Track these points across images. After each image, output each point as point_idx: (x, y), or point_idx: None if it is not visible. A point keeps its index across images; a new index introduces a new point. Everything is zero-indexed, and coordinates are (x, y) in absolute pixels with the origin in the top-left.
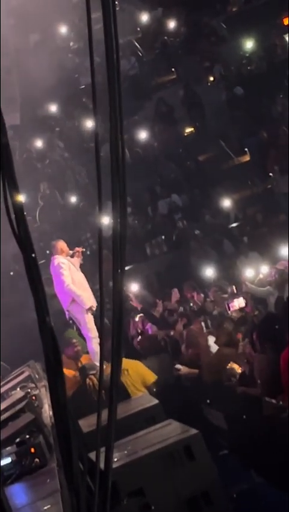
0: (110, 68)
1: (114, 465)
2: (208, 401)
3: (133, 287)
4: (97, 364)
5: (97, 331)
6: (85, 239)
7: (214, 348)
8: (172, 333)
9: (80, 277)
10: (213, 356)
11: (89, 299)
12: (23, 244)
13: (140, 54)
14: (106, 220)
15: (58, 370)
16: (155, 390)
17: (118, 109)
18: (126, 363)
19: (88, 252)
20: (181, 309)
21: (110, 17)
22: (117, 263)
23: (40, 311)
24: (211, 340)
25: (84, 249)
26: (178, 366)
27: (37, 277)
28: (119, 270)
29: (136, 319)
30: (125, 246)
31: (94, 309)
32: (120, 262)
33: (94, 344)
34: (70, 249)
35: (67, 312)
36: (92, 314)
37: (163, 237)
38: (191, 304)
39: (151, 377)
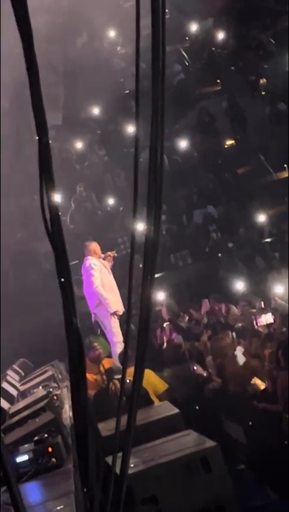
0: (155, 75)
1: (130, 471)
2: (229, 414)
3: (162, 296)
4: None
5: (122, 336)
6: (121, 242)
7: (241, 359)
8: (197, 344)
9: (111, 280)
10: (239, 368)
11: (116, 303)
12: (56, 244)
13: (187, 63)
14: (140, 226)
15: (81, 371)
16: (168, 398)
17: (161, 117)
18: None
19: (122, 254)
20: (205, 320)
21: (159, 24)
22: (147, 270)
23: (67, 312)
24: (239, 350)
25: (116, 254)
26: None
27: (67, 277)
28: (149, 277)
29: (164, 327)
30: (157, 253)
31: (120, 313)
32: (150, 269)
33: (118, 348)
34: (103, 252)
35: (93, 315)
36: (118, 319)
37: (195, 247)
38: (219, 316)
39: (162, 386)
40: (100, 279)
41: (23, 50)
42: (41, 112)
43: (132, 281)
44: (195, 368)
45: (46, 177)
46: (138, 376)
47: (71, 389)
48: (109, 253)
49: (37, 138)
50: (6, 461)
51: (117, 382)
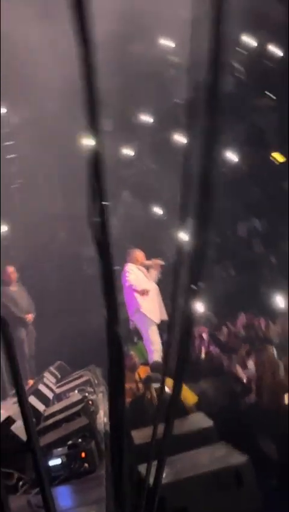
0: (210, 86)
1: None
2: (262, 429)
3: (201, 306)
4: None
5: (160, 344)
6: (167, 250)
7: (282, 374)
8: (234, 357)
9: (150, 287)
10: (275, 382)
11: (153, 310)
12: (102, 250)
13: (240, 75)
14: (185, 236)
15: (119, 379)
16: (197, 411)
17: (213, 129)
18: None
19: (168, 263)
20: (242, 333)
21: (217, 35)
22: (191, 280)
23: (109, 317)
24: (281, 366)
25: (163, 262)
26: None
27: (110, 282)
28: (193, 288)
29: (203, 338)
30: (202, 264)
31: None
32: (195, 280)
33: (155, 357)
34: (149, 259)
35: (131, 322)
36: (157, 327)
37: (238, 260)
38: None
39: (192, 398)
40: (136, 284)
41: (81, 55)
42: (95, 117)
43: (177, 291)
44: (236, 368)
45: (96, 182)
46: (178, 386)
47: (109, 396)
48: (156, 261)
49: (89, 143)
50: (41, 464)
51: (153, 390)
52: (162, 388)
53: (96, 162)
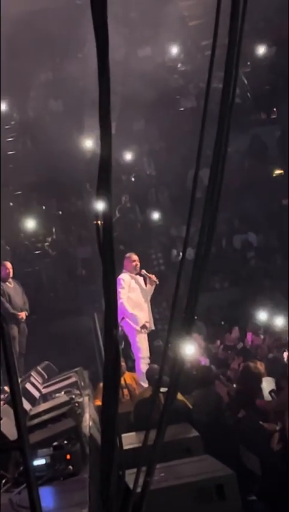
0: (225, 95)
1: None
2: (247, 443)
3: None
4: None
5: (147, 352)
6: (155, 258)
7: (266, 391)
8: (229, 372)
9: (138, 297)
10: (274, 402)
11: (142, 319)
12: (105, 253)
13: (245, 87)
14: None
15: (115, 383)
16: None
17: (225, 136)
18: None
19: (153, 271)
20: (237, 347)
21: (234, 48)
22: (193, 291)
23: (108, 322)
24: (267, 383)
25: (157, 281)
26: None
27: (112, 287)
28: (193, 299)
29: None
30: (204, 275)
31: (148, 326)
32: (195, 291)
33: (142, 364)
34: (142, 265)
35: (120, 328)
36: (144, 332)
37: (231, 272)
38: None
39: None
40: (126, 295)
41: (98, 59)
42: (107, 123)
43: (177, 301)
44: (218, 381)
45: (104, 187)
46: (172, 394)
47: (103, 399)
48: (152, 277)
49: (100, 147)
50: (30, 464)
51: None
52: (169, 394)
53: (105, 167)
